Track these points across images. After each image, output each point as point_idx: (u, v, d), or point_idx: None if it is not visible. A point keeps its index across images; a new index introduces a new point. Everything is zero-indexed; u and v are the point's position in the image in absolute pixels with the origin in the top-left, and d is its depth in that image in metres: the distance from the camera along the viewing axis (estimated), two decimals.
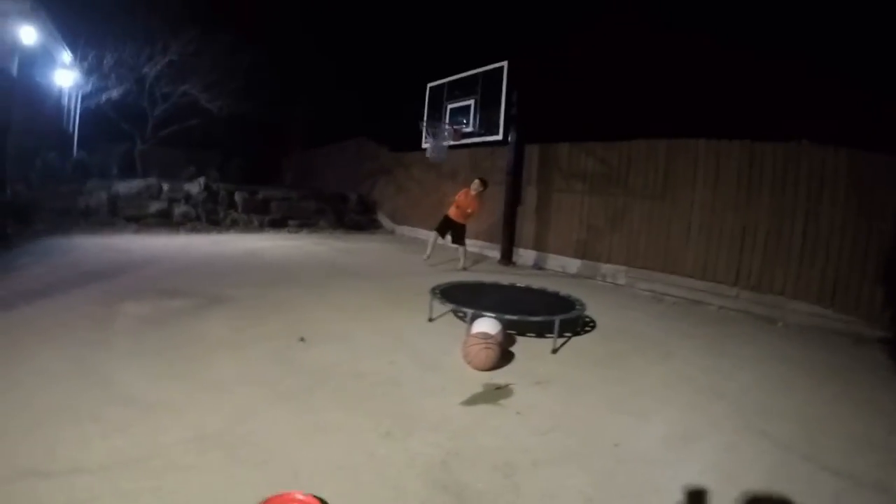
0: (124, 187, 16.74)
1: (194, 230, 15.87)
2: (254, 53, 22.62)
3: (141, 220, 15.83)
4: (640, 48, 13.79)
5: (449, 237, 11.23)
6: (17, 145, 15.18)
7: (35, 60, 17.23)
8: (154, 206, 16.26)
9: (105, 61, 20.01)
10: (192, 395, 4.18)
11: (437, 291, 6.68)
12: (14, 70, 15.20)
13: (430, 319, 6.65)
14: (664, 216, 10.12)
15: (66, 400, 4.04)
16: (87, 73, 20.15)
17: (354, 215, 19.45)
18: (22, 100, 15.71)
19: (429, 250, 11.28)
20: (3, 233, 11.92)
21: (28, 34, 15.60)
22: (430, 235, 11.48)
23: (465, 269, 11.10)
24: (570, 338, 6.16)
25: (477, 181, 11.22)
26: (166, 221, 16.09)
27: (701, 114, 11.00)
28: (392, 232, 18.66)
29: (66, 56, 19.89)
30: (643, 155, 10.53)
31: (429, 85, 13.13)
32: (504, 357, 5.15)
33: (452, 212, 11.15)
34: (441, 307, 6.61)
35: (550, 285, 8.17)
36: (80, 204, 15.82)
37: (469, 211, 11.07)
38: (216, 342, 5.55)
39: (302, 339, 5.66)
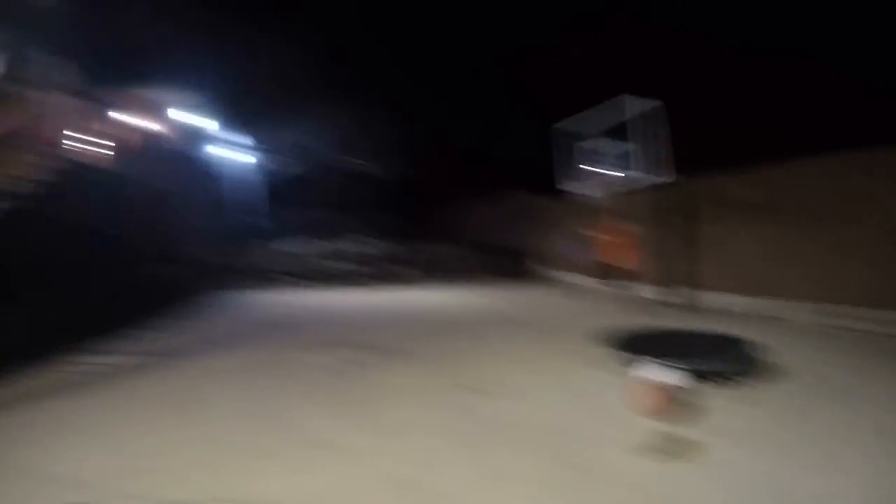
0: (302, 248, 18.14)
1: (367, 286, 16.63)
2: (411, 122, 23.69)
3: (318, 278, 16.95)
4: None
5: (610, 279, 10.95)
6: (204, 215, 16.97)
7: (216, 143, 19.74)
8: (325, 264, 17.35)
9: (279, 141, 22.20)
10: (374, 441, 4.37)
11: (609, 338, 6.56)
12: (195, 148, 17.19)
13: (603, 368, 6.50)
14: (852, 242, 9.02)
15: (256, 438, 4.45)
16: (264, 151, 22.42)
17: (512, 265, 19.52)
18: (208, 177, 17.74)
19: (596, 296, 11.01)
20: (194, 289, 13.22)
21: (207, 122, 19.13)
22: (590, 280, 11.26)
23: (629, 311, 10.67)
24: (749, 384, 5.75)
25: (606, 219, 10.97)
26: (336, 277, 17.09)
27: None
28: (548, 278, 18.52)
29: (243, 138, 22.33)
30: (815, 175, 9.52)
31: (565, 126, 12.96)
32: (681, 406, 4.90)
33: (604, 254, 10.90)
34: (614, 355, 6.47)
35: (723, 327, 7.80)
36: (257, 263, 17.33)
37: (616, 251, 10.79)
38: (396, 393, 5.75)
39: (478, 391, 5.72)
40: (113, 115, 11.41)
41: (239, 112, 21.90)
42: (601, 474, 3.75)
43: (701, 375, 5.66)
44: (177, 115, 18.72)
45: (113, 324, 9.03)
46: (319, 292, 15.58)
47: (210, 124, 20.25)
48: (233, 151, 23.03)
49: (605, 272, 10.82)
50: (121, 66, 17.57)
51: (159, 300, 11.36)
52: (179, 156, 16.06)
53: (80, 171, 9.98)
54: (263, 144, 23.24)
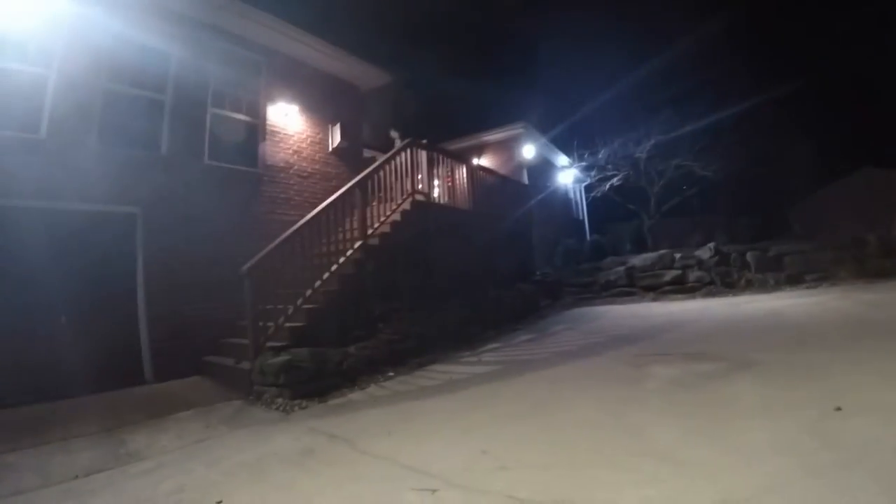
0: (638, 260, 17.87)
1: (709, 294, 15.86)
2: (737, 109, 22.49)
3: (657, 289, 16.60)
4: None
5: None
6: (540, 237, 18.09)
7: (541, 169, 20.85)
8: (668, 275, 16.87)
9: (599, 156, 23.01)
10: (723, 458, 4.10)
11: None
12: (524, 179, 18.29)
13: None
14: None
15: (603, 447, 4.44)
16: (586, 168, 23.20)
17: (876, 260, 16.99)
18: (536, 201, 18.63)
19: None
20: (536, 305, 14.00)
21: (528, 151, 20.13)
22: None
23: None
24: None
25: None
26: (681, 287, 16.49)
27: None
28: None
29: (563, 159, 23.11)
30: None
31: None
32: None
33: None
34: None
35: None
36: (598, 278, 17.54)
37: None
38: (746, 407, 5.34)
39: (838, 409, 5.11)
40: (454, 158, 12.71)
41: (563, 134, 22.83)
42: None
43: None
44: (511, 148, 20.21)
45: (470, 336, 10.47)
46: (664, 302, 15.30)
47: (536, 151, 21.43)
48: (563, 173, 23.97)
49: None
50: (455, 117, 19.53)
51: (511, 316, 12.47)
52: (516, 185, 17.14)
53: (436, 210, 11.35)
54: (591, 161, 23.58)
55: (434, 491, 3.79)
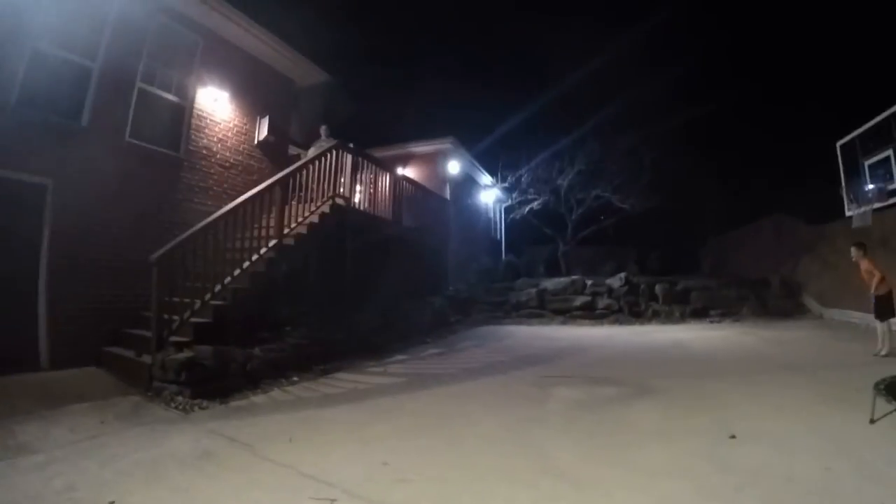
0: (550, 283, 18.28)
1: (617, 322, 16.29)
2: (656, 150, 23.35)
3: (566, 313, 16.94)
4: None
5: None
6: (456, 253, 18.21)
7: (463, 185, 21.03)
8: (578, 300, 17.27)
9: (521, 179, 23.53)
10: (621, 478, 4.23)
11: (881, 387, 5.81)
12: (447, 194, 18.41)
13: (872, 420, 5.70)
14: None
15: (504, 464, 4.51)
16: (508, 190, 23.61)
17: (777, 300, 17.90)
18: (456, 217, 18.77)
19: (880, 342, 9.74)
20: (447, 321, 14.05)
21: (453, 166, 20.23)
22: (869, 318, 9.96)
23: (885, 355, 9.14)
24: None
25: (853, 249, 9.80)
26: (590, 314, 16.87)
27: None
28: (820, 316, 16.61)
29: (487, 179, 23.57)
30: None
31: (838, 144, 11.82)
32: None
33: (883, 288, 9.66)
34: (886, 406, 5.69)
35: None
36: (510, 298, 17.79)
37: (868, 282, 9.59)
38: (645, 431, 5.54)
39: (732, 436, 5.36)
40: (379, 166, 12.65)
41: (489, 154, 23.20)
42: None
43: None
44: (435, 162, 20.32)
45: (377, 346, 10.29)
46: (573, 327, 15.66)
47: (461, 167, 21.64)
48: (486, 192, 24.31)
49: (885, 309, 9.49)
50: (383, 124, 19.52)
51: (421, 329, 12.43)
52: (438, 199, 17.21)
53: (354, 216, 11.24)
54: (514, 183, 24.05)
55: (333, 501, 3.74)
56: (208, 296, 7.86)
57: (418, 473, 4.28)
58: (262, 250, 8.93)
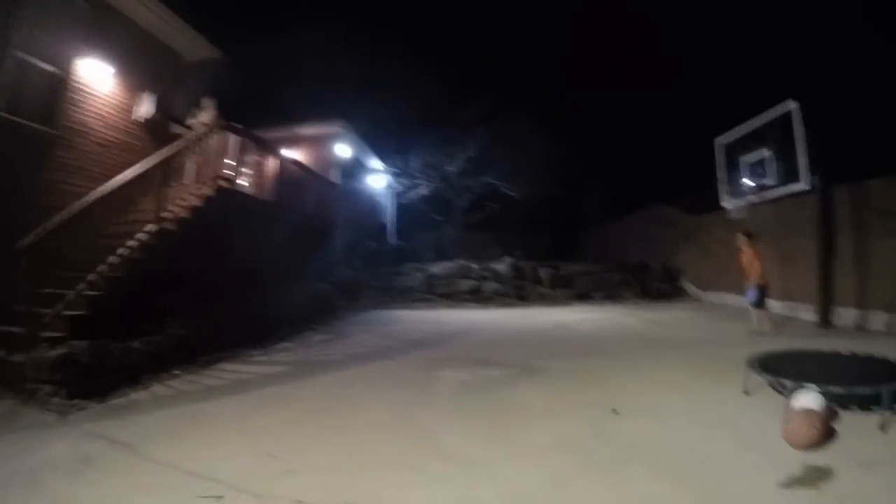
0: (438, 268, 18.49)
1: (503, 305, 16.71)
2: (544, 139, 23.86)
3: (453, 297, 17.21)
4: None
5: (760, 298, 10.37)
6: (344, 237, 17.97)
7: (352, 170, 20.85)
8: (465, 284, 17.55)
9: (411, 164, 23.73)
10: (508, 457, 4.38)
11: (754, 362, 6.28)
12: (335, 178, 18.20)
13: (746, 392, 6.17)
14: None
15: (392, 448, 4.60)
16: (397, 175, 23.70)
17: (658, 284, 18.91)
18: (344, 201, 18.55)
19: (754, 321, 10.53)
20: (334, 306, 13.88)
21: (342, 150, 20.29)
22: (741, 300, 10.70)
23: (764, 333, 9.90)
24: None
25: (739, 235, 10.52)
26: (477, 297, 17.22)
27: None
28: (698, 299, 17.72)
29: (377, 163, 23.45)
30: None
31: (717, 141, 12.47)
32: (825, 434, 4.49)
33: (753, 272, 10.41)
34: (758, 378, 6.16)
35: (876, 349, 7.16)
36: (398, 283, 17.90)
37: (749, 269, 10.30)
38: (531, 410, 5.75)
39: (615, 411, 5.61)
40: (266, 148, 12.28)
41: (379, 138, 23.03)
42: (731, 502, 3.57)
43: (849, 400, 5.31)
44: (323, 145, 20.01)
45: (263, 334, 10.02)
46: (460, 311, 15.89)
47: (353, 151, 21.41)
48: (375, 177, 24.16)
49: (755, 291, 10.23)
50: (272, 104, 19.01)
51: (307, 316, 12.21)
52: (327, 183, 16.98)
53: (239, 199, 10.90)
54: (404, 168, 24.09)
55: (219, 498, 3.69)
56: (83, 286, 7.35)
57: (305, 463, 4.29)
58: (141, 235, 8.40)
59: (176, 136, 11.75)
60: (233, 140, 10.61)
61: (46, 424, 5.56)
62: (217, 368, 7.89)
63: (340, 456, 4.46)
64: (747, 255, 10.37)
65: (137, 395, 6.49)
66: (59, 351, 6.44)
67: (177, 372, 7.47)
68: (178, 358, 7.85)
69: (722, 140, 11.85)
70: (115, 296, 7.65)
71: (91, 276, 7.50)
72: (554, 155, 24.03)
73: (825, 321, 10.92)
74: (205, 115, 11.99)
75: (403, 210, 26.49)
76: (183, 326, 8.45)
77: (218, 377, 7.40)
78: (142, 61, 11.68)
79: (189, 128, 12.34)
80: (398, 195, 25.87)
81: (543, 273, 18.44)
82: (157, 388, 6.79)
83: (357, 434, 5.00)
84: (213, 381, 7.20)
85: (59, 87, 9.84)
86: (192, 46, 13.08)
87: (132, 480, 4.05)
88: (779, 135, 10.20)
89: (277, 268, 11.87)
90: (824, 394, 4.86)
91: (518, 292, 17.60)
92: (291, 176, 13.22)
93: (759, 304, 10.24)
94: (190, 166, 9.85)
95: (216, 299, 9.56)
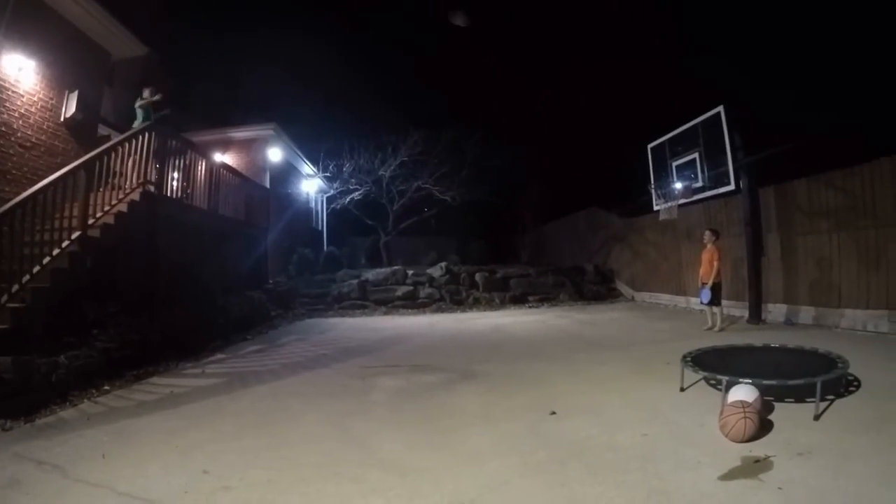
0: (372, 274, 18.44)
1: (439, 310, 16.75)
2: (479, 143, 24.09)
3: (389, 303, 17.16)
4: None
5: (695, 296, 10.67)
6: (276, 244, 17.76)
7: (283, 174, 20.63)
8: (400, 290, 17.51)
9: (344, 169, 23.60)
10: (447, 463, 4.39)
11: (688, 359, 6.42)
12: (267, 183, 17.90)
13: (682, 389, 6.30)
14: None
15: (329, 460, 4.53)
16: (330, 180, 23.63)
17: (593, 286, 19.29)
18: (276, 207, 18.30)
19: (710, 320, 10.84)
20: (267, 315, 13.65)
21: (274, 154, 20.29)
22: (674, 299, 10.99)
23: (721, 330, 10.35)
24: (832, 401, 5.40)
25: (707, 232, 10.83)
26: (412, 303, 17.21)
27: None
28: (632, 299, 18.18)
29: (310, 168, 23.24)
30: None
31: (649, 146, 12.83)
32: (762, 426, 4.67)
33: (703, 271, 10.70)
34: (693, 375, 6.31)
35: (805, 342, 7.44)
36: (332, 290, 17.68)
37: (709, 266, 10.59)
38: (469, 415, 5.77)
39: (553, 413, 5.66)
40: (196, 152, 11.99)
41: (312, 143, 22.87)
42: (679, 499, 3.58)
43: (783, 392, 5.49)
44: (256, 150, 19.70)
45: (194, 346, 9.70)
46: (396, 317, 15.88)
47: (287, 157, 21.19)
48: (307, 182, 23.96)
49: (708, 290, 10.53)
50: (202, 107, 18.60)
51: (240, 325, 11.95)
52: (258, 188, 16.71)
53: (168, 205, 10.61)
54: (337, 173, 23.92)
55: None
56: (4, 297, 6.97)
57: (241, 479, 4.19)
58: (65, 243, 8.06)
59: (103, 139, 11.36)
60: (162, 143, 10.33)
61: None
62: (148, 383, 7.62)
63: (277, 469, 4.37)
64: (710, 253, 10.64)
65: (66, 412, 6.18)
66: None
67: (106, 388, 7.16)
68: (108, 373, 7.54)
69: (653, 145, 12.16)
70: (39, 308, 7.33)
71: (14, 287, 7.11)
72: (488, 159, 24.28)
73: (756, 317, 11.39)
74: (145, 97, 11.61)
75: (337, 216, 26.37)
76: (111, 339, 8.10)
77: (149, 392, 7.14)
78: (69, 59, 11.26)
79: (117, 129, 11.93)
80: (331, 200, 25.69)
81: (479, 277, 18.55)
82: (86, 405, 6.49)
83: (294, 446, 4.92)
84: (144, 395, 6.94)
85: None
86: (122, 44, 12.71)
87: (61, 503, 3.86)
88: (708, 139, 10.62)
89: (209, 276, 11.61)
90: (758, 387, 5.01)
91: (453, 297, 17.66)
92: (222, 181, 12.95)
93: (715, 302, 10.52)
94: (118, 170, 9.55)
95: (146, 310, 9.24)
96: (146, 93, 11.82)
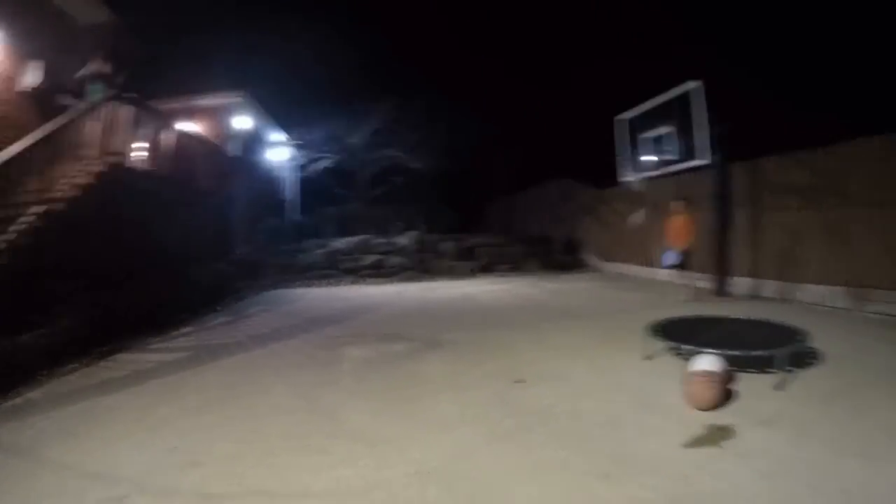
0: (341, 243, 18.42)
1: (407, 279, 16.83)
2: (451, 112, 23.89)
3: (357, 272, 17.23)
4: None
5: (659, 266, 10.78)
6: (243, 214, 17.51)
7: (253, 142, 20.25)
8: (369, 259, 17.54)
9: (314, 136, 23.16)
10: (414, 432, 4.47)
11: (653, 328, 6.53)
12: (235, 151, 17.59)
13: (648, 358, 6.46)
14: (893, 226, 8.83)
15: (297, 431, 4.60)
16: (300, 148, 23.08)
17: (560, 256, 19.44)
18: (245, 175, 18.04)
19: (645, 285, 10.95)
20: (234, 286, 13.58)
21: (243, 122, 19.79)
22: (641, 269, 11.10)
23: (687, 301, 10.42)
24: (793, 372, 5.52)
25: (680, 202, 10.97)
26: (380, 272, 17.29)
27: None
28: (599, 270, 18.37)
29: (279, 136, 22.90)
30: (871, 155, 9.21)
31: (618, 118, 12.77)
32: (725, 395, 4.81)
33: (671, 237, 10.81)
34: (659, 344, 6.43)
35: (769, 314, 7.61)
36: (300, 260, 17.69)
37: (679, 233, 10.68)
38: (436, 383, 5.86)
39: (520, 381, 5.75)
40: (162, 121, 11.74)
41: (281, 110, 22.49)
42: (642, 465, 3.71)
43: (746, 363, 5.62)
44: (222, 117, 19.31)
45: (161, 320, 9.55)
46: (364, 286, 15.94)
47: (254, 124, 20.80)
48: (276, 150, 23.59)
49: (677, 255, 10.66)
50: (169, 73, 18.16)
51: (207, 297, 11.81)
52: (226, 157, 16.48)
53: (134, 176, 10.41)
54: (307, 141, 23.63)
55: (123, 498, 3.56)
56: None
57: (209, 454, 4.22)
58: (27, 218, 7.92)
59: (66, 109, 11.02)
60: (126, 112, 10.07)
61: None
62: (114, 360, 7.50)
63: (246, 443, 4.40)
64: (681, 221, 10.75)
65: (32, 394, 6.06)
66: None
67: (74, 366, 7.05)
68: (73, 351, 7.38)
69: (625, 116, 12.09)
70: (2, 286, 7.19)
71: None
72: (459, 127, 24.15)
73: (722, 290, 11.61)
74: (94, 87, 11.30)
75: (306, 184, 25.96)
76: (76, 317, 7.97)
77: (116, 368, 7.06)
78: (29, 24, 10.83)
79: (78, 96, 11.59)
80: (300, 168, 25.35)
81: (447, 246, 18.62)
82: (53, 385, 6.39)
83: (261, 420, 4.95)
84: (110, 373, 6.86)
85: None
86: (86, 8, 12.27)
87: (29, 486, 3.85)
88: (681, 113, 10.54)
89: (175, 248, 11.46)
90: (722, 357, 5.12)
91: (422, 266, 17.74)
92: (188, 150, 12.72)
93: (681, 267, 10.62)
94: (81, 141, 9.29)
95: (110, 286, 9.09)
96: (95, 65, 11.48)
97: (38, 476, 3.99)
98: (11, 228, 7.71)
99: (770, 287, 11.14)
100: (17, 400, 5.90)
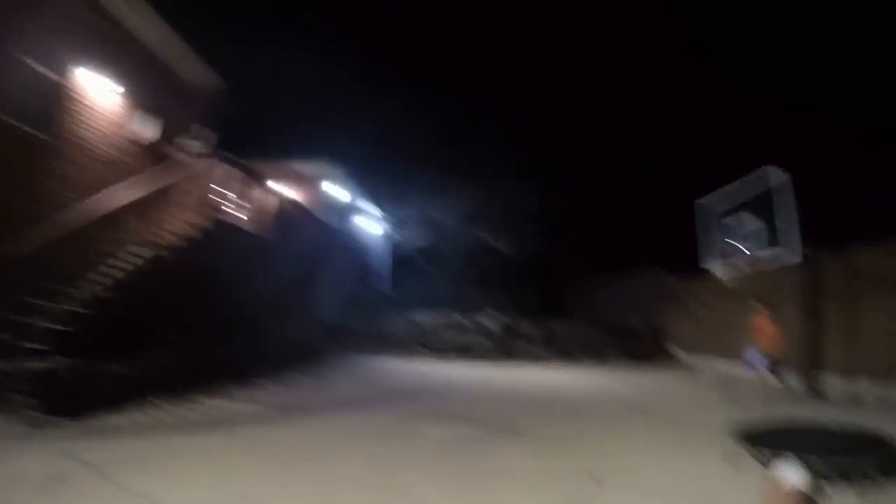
0: (426, 318, 18.42)
1: (488, 360, 16.56)
2: (538, 198, 24.15)
3: (439, 348, 17.09)
4: None
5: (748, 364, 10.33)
6: (332, 279, 17.76)
7: (347, 212, 21.08)
8: (451, 336, 17.49)
9: (407, 213, 24.00)
10: None
11: (738, 432, 6.24)
12: (328, 219, 18.25)
13: (730, 463, 6.17)
14: None
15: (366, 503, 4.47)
16: (392, 222, 23.59)
17: (644, 346, 18.85)
18: (337, 243, 18.62)
19: (731, 383, 10.52)
20: (319, 348, 13.96)
21: (340, 192, 20.83)
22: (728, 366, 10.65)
23: (764, 401, 9.61)
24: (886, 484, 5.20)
25: (757, 303, 10.46)
26: (462, 350, 17.11)
27: None
28: (684, 363, 17.70)
29: (372, 209, 23.55)
30: None
31: (700, 201, 12.28)
32: None
33: (757, 339, 10.40)
34: (740, 449, 6.13)
35: (869, 420, 7.19)
36: (384, 331, 17.75)
37: (767, 336, 10.26)
38: (508, 472, 5.63)
39: (594, 479, 5.57)
40: (261, 183, 12.29)
41: (375, 184, 23.26)
42: None
43: (838, 474, 5.27)
44: (318, 185, 20.09)
45: (245, 373, 9.73)
46: (445, 363, 15.72)
47: (347, 195, 21.56)
48: (369, 222, 24.30)
49: (745, 357, 10.22)
50: (268, 139, 19.09)
51: (291, 357, 11.98)
52: (319, 224, 16.99)
53: (229, 232, 10.84)
54: (400, 217, 24.33)
55: None
56: (71, 302, 7.24)
57: None
58: (136, 259, 8.33)
59: (170, 159, 11.66)
60: (227, 170, 10.56)
61: (19, 436, 5.46)
62: (197, 402, 7.71)
63: None
64: (765, 321, 10.24)
65: (115, 419, 6.31)
66: (42, 365, 6.31)
67: (155, 400, 7.29)
68: (158, 386, 7.64)
69: (707, 200, 11.69)
70: (103, 316, 7.51)
71: (78, 293, 7.40)
72: (543, 211, 24.36)
73: (813, 390, 10.94)
74: (198, 144, 11.96)
75: (396, 258, 26.59)
76: (165, 354, 8.27)
77: (198, 410, 7.26)
78: (142, 80, 11.50)
79: (184, 151, 12.25)
80: (391, 242, 26.01)
81: (530, 330, 18.42)
82: (134, 415, 6.62)
83: (335, 485, 4.87)
84: (192, 414, 7.05)
85: (56, 95, 9.44)
86: (193, 70, 13.08)
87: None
88: (766, 202, 10.16)
89: (266, 305, 11.77)
90: (811, 467, 4.81)
91: (504, 348, 17.53)
92: (285, 213, 13.19)
93: (769, 371, 10.14)
94: (182, 191, 9.81)
95: (201, 330, 9.42)
96: (199, 122, 12.18)
97: (111, 497, 4.06)
98: (118, 265, 8.10)
99: (866, 388, 10.22)
100: (100, 422, 6.10)
